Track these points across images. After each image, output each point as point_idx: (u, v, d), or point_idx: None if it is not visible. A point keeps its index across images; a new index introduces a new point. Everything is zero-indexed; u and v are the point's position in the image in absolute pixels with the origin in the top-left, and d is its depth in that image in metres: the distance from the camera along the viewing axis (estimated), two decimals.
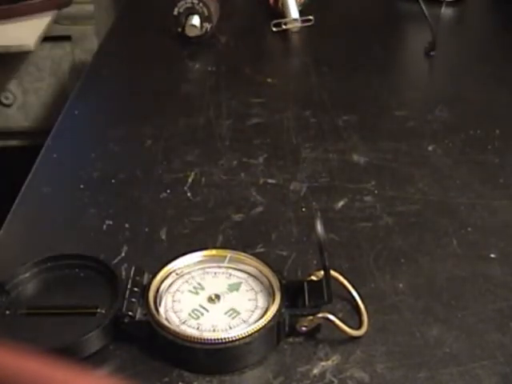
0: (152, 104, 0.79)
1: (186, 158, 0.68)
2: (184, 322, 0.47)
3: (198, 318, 0.47)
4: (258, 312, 0.47)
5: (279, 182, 0.64)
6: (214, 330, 0.46)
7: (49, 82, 1.24)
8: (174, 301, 0.49)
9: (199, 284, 0.50)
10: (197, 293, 0.49)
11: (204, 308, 0.48)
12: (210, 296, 0.49)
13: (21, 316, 0.48)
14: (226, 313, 0.47)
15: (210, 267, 0.51)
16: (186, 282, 0.50)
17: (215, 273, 0.51)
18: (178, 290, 0.49)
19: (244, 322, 0.47)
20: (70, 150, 0.72)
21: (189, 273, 0.51)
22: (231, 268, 0.51)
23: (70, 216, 0.61)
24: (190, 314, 0.47)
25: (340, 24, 1.00)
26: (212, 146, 0.70)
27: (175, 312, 0.48)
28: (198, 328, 0.46)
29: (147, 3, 1.09)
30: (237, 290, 0.49)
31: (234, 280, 0.50)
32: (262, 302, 0.48)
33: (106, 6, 1.29)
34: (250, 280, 0.50)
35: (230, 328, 0.46)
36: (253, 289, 0.49)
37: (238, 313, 0.47)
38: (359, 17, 1.02)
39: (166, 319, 0.47)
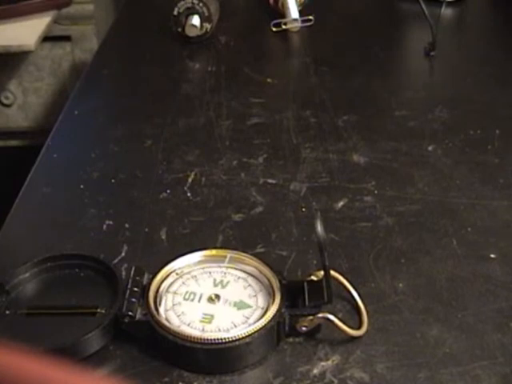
0: (152, 104, 0.79)
1: (186, 158, 0.68)
2: (173, 305, 0.48)
3: (187, 303, 0.48)
4: (236, 329, 0.46)
5: (279, 182, 0.64)
6: (188, 325, 0.46)
7: (49, 81, 1.24)
8: (183, 283, 0.50)
9: (221, 281, 0.50)
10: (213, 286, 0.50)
11: (198, 302, 0.48)
12: (211, 296, 0.49)
13: (21, 316, 0.48)
14: (205, 315, 0.47)
15: (249, 274, 0.51)
16: (209, 273, 0.51)
17: (249, 285, 0.50)
18: (192, 277, 0.50)
19: (219, 330, 0.46)
20: (70, 150, 0.72)
21: (218, 267, 0.51)
22: (263, 289, 0.50)
23: (70, 216, 0.61)
24: (184, 297, 0.48)
25: (340, 24, 1.00)
26: (212, 146, 0.70)
27: (174, 293, 0.49)
28: (178, 316, 0.47)
29: (147, 3, 1.09)
30: (238, 308, 0.48)
31: (247, 300, 0.49)
32: (251, 320, 0.47)
33: (106, 5, 1.29)
34: (258, 312, 0.48)
35: (203, 330, 0.46)
36: (247, 319, 0.47)
37: (209, 322, 0.47)
38: (359, 17, 1.02)
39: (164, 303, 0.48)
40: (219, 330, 0.46)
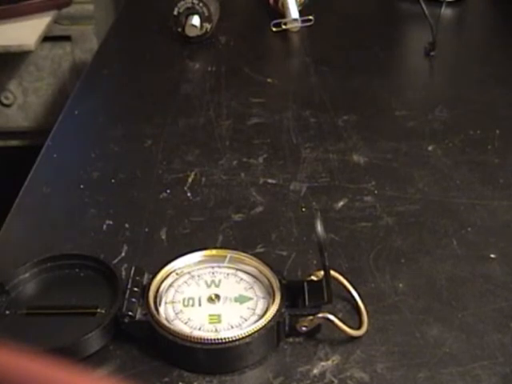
0: (152, 104, 0.79)
1: (186, 158, 0.68)
2: (175, 314, 0.47)
3: (189, 309, 0.48)
4: (247, 322, 0.47)
5: (279, 182, 0.64)
6: (199, 329, 0.46)
7: (49, 81, 1.24)
8: (176, 291, 0.49)
9: (213, 281, 0.50)
10: (208, 287, 0.50)
11: (199, 305, 0.48)
12: (210, 296, 0.49)
13: (21, 316, 0.48)
14: (211, 315, 0.47)
15: (238, 269, 0.51)
16: (198, 276, 0.50)
17: (241, 279, 0.50)
18: (185, 283, 0.50)
19: (232, 327, 0.46)
20: (70, 150, 0.72)
21: (216, 267, 0.51)
22: (258, 281, 0.50)
23: (70, 216, 0.61)
24: (184, 304, 0.48)
25: (340, 24, 1.00)
26: (212, 146, 0.70)
27: (172, 302, 0.48)
28: (186, 323, 0.47)
29: (147, 3, 1.09)
30: (241, 303, 0.48)
31: (245, 293, 0.49)
32: (258, 311, 0.48)
33: (106, 5, 1.29)
34: (261, 302, 0.48)
35: (216, 331, 0.46)
36: (254, 310, 0.48)
37: (220, 321, 0.47)
38: (359, 17, 1.02)
39: (164, 313, 0.47)
40: (232, 327, 0.46)
